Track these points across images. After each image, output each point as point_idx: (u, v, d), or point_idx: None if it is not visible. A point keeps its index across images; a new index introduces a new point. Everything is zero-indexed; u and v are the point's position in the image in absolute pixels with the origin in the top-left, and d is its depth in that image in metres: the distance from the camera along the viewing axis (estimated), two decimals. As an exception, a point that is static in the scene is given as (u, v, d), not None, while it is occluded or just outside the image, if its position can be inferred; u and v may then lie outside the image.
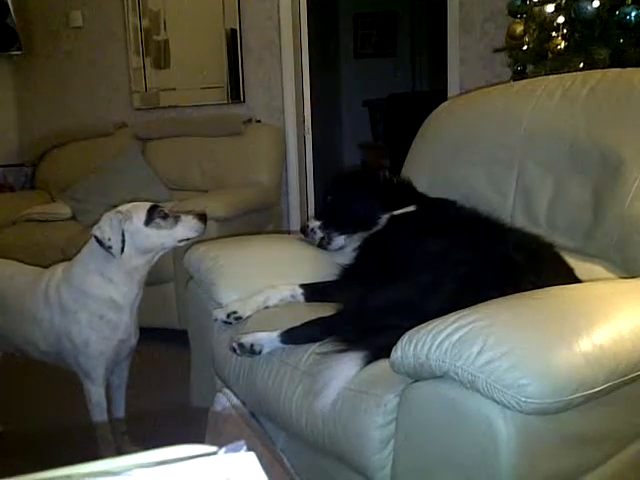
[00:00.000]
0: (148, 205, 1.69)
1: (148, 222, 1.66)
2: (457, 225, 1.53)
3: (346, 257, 1.64)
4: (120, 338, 1.74)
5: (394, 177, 1.81)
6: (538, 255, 1.36)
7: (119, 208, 1.68)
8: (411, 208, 1.65)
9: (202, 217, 1.74)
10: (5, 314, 1.82)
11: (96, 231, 1.63)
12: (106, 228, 1.62)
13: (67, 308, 1.70)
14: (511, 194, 1.68)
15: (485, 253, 1.34)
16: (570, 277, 1.35)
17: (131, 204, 1.71)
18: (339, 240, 1.72)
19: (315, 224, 1.76)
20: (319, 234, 1.74)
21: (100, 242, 1.62)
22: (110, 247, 1.61)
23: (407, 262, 1.43)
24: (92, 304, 1.68)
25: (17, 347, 1.88)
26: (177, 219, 1.70)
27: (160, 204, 1.75)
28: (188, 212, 1.76)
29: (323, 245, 1.74)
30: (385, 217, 1.63)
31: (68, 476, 0.46)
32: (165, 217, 1.69)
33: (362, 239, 1.64)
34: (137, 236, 1.65)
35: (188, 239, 1.73)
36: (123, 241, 1.62)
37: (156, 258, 1.74)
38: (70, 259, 1.81)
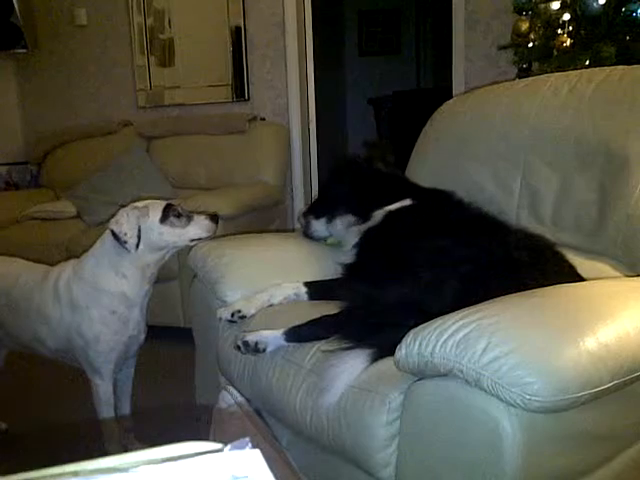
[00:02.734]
0: (164, 203, 1.72)
1: (163, 220, 1.69)
2: (458, 222, 1.52)
3: (347, 255, 1.63)
4: (130, 334, 1.76)
5: (382, 167, 1.80)
6: (541, 254, 1.36)
7: (136, 204, 1.71)
8: (407, 202, 1.63)
9: (214, 218, 1.77)
10: (12, 312, 1.83)
11: (113, 225, 1.65)
12: (123, 223, 1.64)
13: (78, 304, 1.71)
14: (516, 192, 1.67)
15: (488, 251, 1.33)
16: (573, 276, 1.34)
17: (147, 201, 1.73)
18: (316, 225, 1.75)
19: (301, 212, 1.81)
20: (302, 221, 1.79)
21: (116, 236, 1.64)
22: (125, 242, 1.64)
23: (410, 259, 1.42)
24: (105, 299, 1.70)
25: (24, 345, 1.88)
26: (190, 219, 1.73)
27: (174, 203, 1.77)
28: (200, 212, 1.78)
29: (306, 232, 1.78)
30: (380, 213, 1.62)
31: (75, 472, 0.47)
32: (179, 216, 1.72)
33: (359, 234, 1.63)
34: (151, 233, 1.68)
35: (199, 239, 1.75)
36: (139, 237, 1.65)
37: (167, 256, 1.77)
38: (75, 257, 1.82)
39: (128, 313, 1.74)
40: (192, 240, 1.75)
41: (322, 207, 1.77)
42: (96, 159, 3.64)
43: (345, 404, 1.17)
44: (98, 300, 1.70)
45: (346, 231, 1.67)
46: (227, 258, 1.67)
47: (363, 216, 1.63)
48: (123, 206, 1.72)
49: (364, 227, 1.63)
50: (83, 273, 1.72)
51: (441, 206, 1.61)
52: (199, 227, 1.74)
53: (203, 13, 3.76)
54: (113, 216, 1.69)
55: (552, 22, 2.28)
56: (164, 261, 1.78)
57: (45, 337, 1.78)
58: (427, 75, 6.33)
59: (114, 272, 1.70)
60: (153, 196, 1.89)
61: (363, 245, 1.60)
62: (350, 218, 1.65)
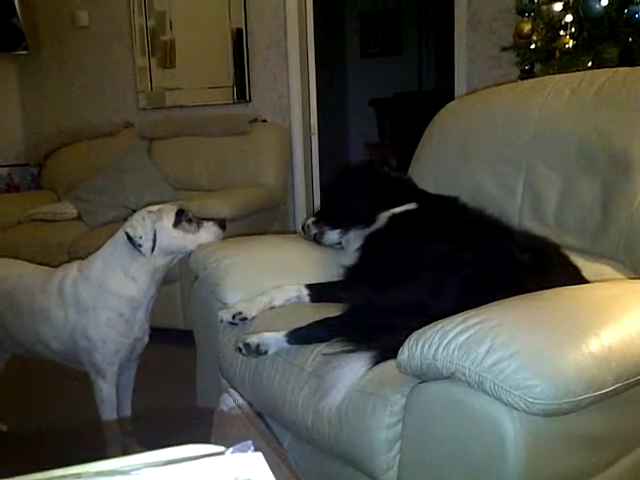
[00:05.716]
0: (176, 208, 1.76)
1: (176, 224, 1.72)
2: (462, 225, 1.52)
3: (350, 257, 1.63)
4: (136, 336, 1.77)
5: (392, 172, 1.80)
6: (544, 256, 1.36)
7: (149, 208, 1.73)
8: (412, 206, 1.63)
9: (222, 224, 1.81)
10: (14, 314, 1.82)
11: (128, 228, 1.67)
12: (138, 226, 1.67)
13: (85, 305, 1.71)
14: (519, 194, 1.67)
15: (491, 254, 1.33)
16: (577, 278, 1.34)
17: (159, 205, 1.76)
18: (331, 234, 1.73)
19: (310, 220, 1.78)
20: (313, 230, 1.77)
21: (131, 240, 1.65)
22: (140, 245, 1.66)
23: (412, 262, 1.42)
24: (113, 301, 1.71)
25: (26, 347, 1.88)
26: (200, 224, 1.77)
27: (183, 208, 1.80)
28: (208, 219, 1.82)
29: (317, 240, 1.76)
30: (385, 215, 1.62)
31: (78, 475, 0.46)
32: (190, 221, 1.76)
33: (363, 237, 1.63)
34: (164, 237, 1.71)
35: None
36: (154, 240, 1.67)
37: (176, 260, 1.80)
38: (76, 258, 1.82)
39: (134, 315, 1.75)
40: (201, 245, 1.77)
41: (336, 216, 1.73)
42: (97, 160, 3.64)
43: (347, 407, 1.17)
44: (106, 302, 1.71)
45: (353, 235, 1.67)
46: (228, 260, 1.67)
47: (370, 220, 1.63)
48: (134, 210, 1.73)
49: (369, 230, 1.63)
50: (90, 275, 1.73)
51: (445, 210, 1.61)
52: (209, 233, 1.77)
53: (204, 14, 3.76)
54: (127, 220, 1.72)
55: (554, 23, 2.28)
56: (172, 265, 1.80)
57: (49, 339, 1.77)
58: (429, 76, 6.33)
59: (124, 275, 1.71)
60: (155, 199, 1.90)
61: (367, 248, 1.59)
62: (362, 225, 1.65)
